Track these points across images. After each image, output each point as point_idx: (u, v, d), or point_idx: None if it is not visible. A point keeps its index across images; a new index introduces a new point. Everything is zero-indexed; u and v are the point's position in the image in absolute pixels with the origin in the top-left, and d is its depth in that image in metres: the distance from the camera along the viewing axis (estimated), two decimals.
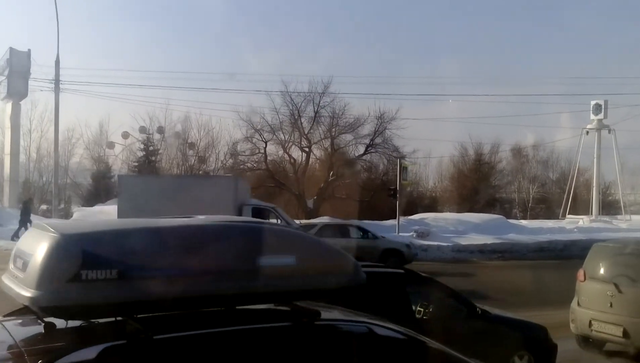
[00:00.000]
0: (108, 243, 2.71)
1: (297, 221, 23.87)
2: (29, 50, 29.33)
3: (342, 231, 21.66)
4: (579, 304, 9.43)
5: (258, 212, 17.61)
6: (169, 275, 2.72)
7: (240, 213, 17.00)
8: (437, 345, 3.56)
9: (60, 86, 27.71)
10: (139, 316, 2.80)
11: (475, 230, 30.10)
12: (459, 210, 41.56)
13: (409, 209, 39.50)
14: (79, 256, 2.56)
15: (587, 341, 9.48)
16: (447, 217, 34.52)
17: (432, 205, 48.87)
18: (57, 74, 27.02)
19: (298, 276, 3.04)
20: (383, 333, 3.25)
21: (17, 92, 29.42)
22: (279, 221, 17.67)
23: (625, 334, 8.60)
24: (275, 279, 2.97)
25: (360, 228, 22.05)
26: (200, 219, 3.31)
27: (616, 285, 8.83)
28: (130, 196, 16.78)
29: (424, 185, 57.28)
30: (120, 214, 16.60)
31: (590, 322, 9.07)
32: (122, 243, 2.74)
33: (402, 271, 7.17)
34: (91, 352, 2.55)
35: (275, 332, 3.02)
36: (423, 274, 7.34)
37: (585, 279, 9.44)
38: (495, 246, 26.44)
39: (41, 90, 28.59)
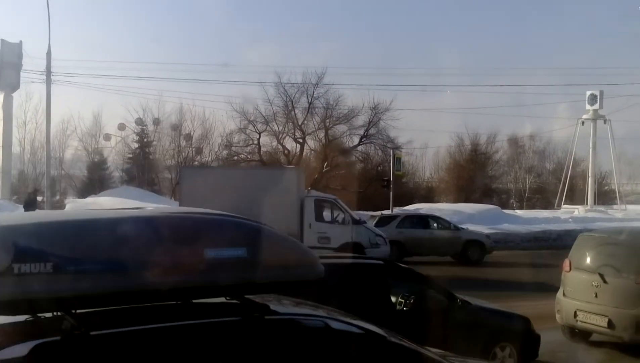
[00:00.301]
0: (43, 236, 2.59)
1: (367, 213, 23.59)
2: (20, 41, 29.13)
3: (423, 222, 21.40)
4: (564, 294, 9.37)
5: (320, 203, 17.45)
6: (108, 268, 2.61)
7: (302, 205, 16.87)
8: (398, 339, 3.46)
9: (52, 77, 27.52)
10: (78, 311, 2.70)
11: (469, 220, 29.96)
12: (456, 201, 41.56)
13: (406, 200, 39.44)
14: (10, 249, 2.45)
15: (573, 332, 9.43)
16: (442, 207, 34.43)
17: (428, 196, 48.87)
18: (49, 66, 26.80)
19: (249, 269, 2.93)
20: (339, 328, 3.15)
21: (9, 83, 29.23)
22: (342, 213, 17.50)
23: (610, 325, 8.54)
24: (224, 272, 2.86)
25: (442, 219, 21.81)
26: (147, 210, 3.21)
27: (601, 275, 8.75)
28: (192, 188, 16.56)
29: (421, 176, 57.23)
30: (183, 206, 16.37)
31: (575, 312, 9.01)
32: (58, 235, 2.63)
33: (381, 262, 7.09)
34: (22, 349, 2.45)
35: (223, 326, 2.92)
36: (403, 265, 7.25)
37: (570, 269, 9.37)
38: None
39: (32, 82, 28.49)
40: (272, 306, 3.17)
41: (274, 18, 77.30)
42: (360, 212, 30.05)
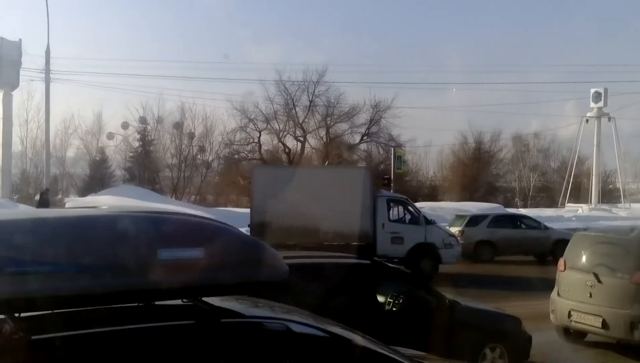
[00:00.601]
0: None
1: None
2: (20, 40, 29.03)
3: (513, 221, 21.32)
4: (558, 294, 9.23)
5: (392, 203, 17.18)
6: (53, 270, 2.50)
7: (374, 205, 16.46)
8: (366, 342, 3.34)
9: (51, 75, 27.54)
10: (21, 315, 2.59)
11: None
12: (459, 199, 41.34)
13: (409, 199, 39.22)
14: None
15: (567, 332, 9.29)
16: (444, 206, 34.30)
17: (432, 194, 48.63)
18: (48, 64, 26.85)
19: (206, 270, 2.81)
20: (301, 331, 3.03)
21: (8, 82, 29.16)
22: (415, 213, 17.21)
23: (604, 325, 8.40)
24: (178, 274, 2.74)
25: (531, 219, 21.66)
26: (98, 209, 3.09)
27: (596, 275, 8.60)
28: (264, 186, 16.42)
29: (425, 174, 56.97)
30: (256, 205, 16.24)
31: (569, 312, 8.87)
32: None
33: (368, 262, 6.95)
34: None
35: (174, 330, 2.80)
36: (390, 265, 7.12)
37: (565, 269, 9.22)
38: None
39: (32, 80, 28.47)
40: (231, 309, 3.06)
41: (275, 16, 77.26)
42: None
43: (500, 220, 21.15)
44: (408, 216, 17.08)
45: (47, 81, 26.86)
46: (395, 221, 16.91)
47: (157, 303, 2.95)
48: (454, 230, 19.28)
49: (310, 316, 3.43)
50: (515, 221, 21.45)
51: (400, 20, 79.60)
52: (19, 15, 62.06)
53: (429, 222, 16.96)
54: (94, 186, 40.22)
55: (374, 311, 6.74)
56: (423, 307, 6.94)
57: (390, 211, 16.88)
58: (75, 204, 27.05)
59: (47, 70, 26.77)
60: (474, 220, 20.77)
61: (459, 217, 21.70)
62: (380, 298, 7.05)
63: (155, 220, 2.92)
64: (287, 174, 17.87)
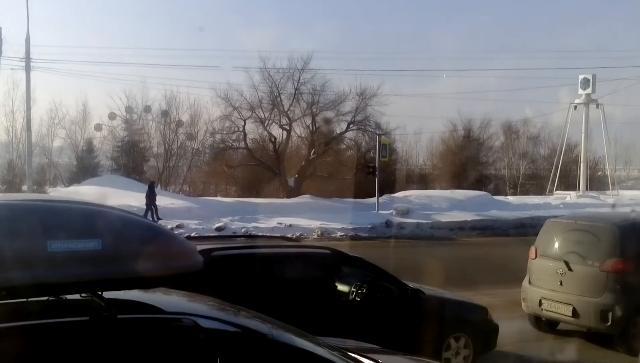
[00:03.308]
0: None
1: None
2: None
3: None
4: (530, 282, 9.11)
5: None
6: None
7: None
8: (286, 335, 3.16)
9: (33, 64, 27.14)
10: None
11: (458, 207, 29.73)
12: (449, 187, 41.17)
13: (399, 187, 39.12)
14: None
15: (538, 320, 9.19)
16: (431, 194, 34.12)
17: (421, 182, 48.49)
18: (28, 52, 26.42)
19: (105, 263, 2.61)
20: (209, 327, 2.84)
21: None
22: None
23: (575, 313, 8.28)
24: (71, 267, 2.54)
25: None
26: None
27: (566, 263, 8.48)
28: None
29: (415, 162, 56.79)
30: None
31: (540, 300, 8.75)
32: None
33: (328, 251, 6.76)
34: None
35: (66, 327, 2.61)
36: (351, 254, 6.94)
37: (536, 256, 9.09)
38: (475, 222, 26.01)
39: (12, 68, 28.05)
40: (133, 304, 2.87)
41: (263, 2, 76.40)
42: (358, 200, 29.89)
43: None
44: None
45: (28, 69, 26.51)
46: None
47: (50, 298, 2.75)
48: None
49: (227, 310, 3.25)
50: None
51: (390, 6, 79.07)
52: None
53: None
54: (80, 176, 39.83)
55: (335, 302, 6.58)
56: (385, 297, 6.78)
57: None
58: (58, 194, 26.80)
59: (28, 58, 26.40)
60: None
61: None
62: (342, 288, 6.89)
63: (45, 210, 2.71)
64: None
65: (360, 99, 32.44)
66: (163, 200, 24.57)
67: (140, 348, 2.73)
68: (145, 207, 23.03)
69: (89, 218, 2.74)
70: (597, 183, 49.99)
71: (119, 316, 2.69)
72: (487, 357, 7.28)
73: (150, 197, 23.49)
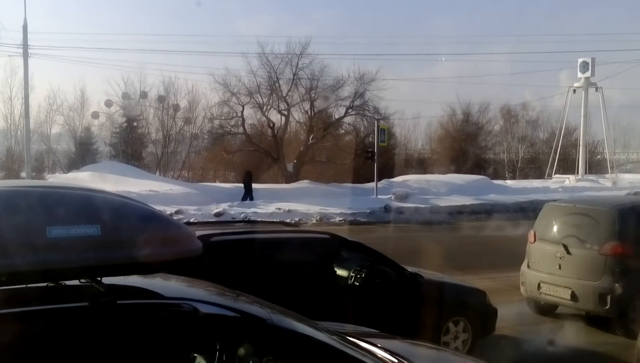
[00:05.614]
0: None
1: None
2: None
3: None
4: (528, 266, 9.13)
5: None
6: None
7: None
8: (287, 321, 3.17)
9: (30, 50, 27.03)
10: None
11: (457, 191, 29.79)
12: (448, 172, 41.18)
13: (398, 172, 39.14)
14: None
15: (537, 304, 9.22)
16: (430, 179, 34.15)
17: (420, 167, 48.49)
18: (25, 39, 26.33)
19: (104, 249, 2.61)
20: (209, 312, 2.84)
21: None
22: None
23: (573, 297, 8.31)
24: (70, 253, 2.54)
25: None
26: None
27: (565, 246, 8.50)
28: None
29: (413, 147, 56.75)
30: None
31: (539, 284, 8.78)
32: None
33: (327, 236, 6.77)
34: None
35: (64, 313, 2.61)
36: (349, 239, 6.95)
37: (535, 240, 9.10)
38: (474, 207, 26.05)
39: (9, 55, 27.96)
40: (132, 290, 2.87)
41: None
42: (357, 185, 29.93)
43: None
44: None
45: (26, 56, 26.41)
46: None
47: (50, 284, 2.75)
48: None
49: (226, 295, 3.25)
50: None
51: None
52: None
53: None
54: (79, 163, 39.78)
55: (334, 287, 6.60)
56: (384, 281, 6.79)
57: None
58: (57, 181, 26.78)
59: (25, 45, 26.29)
60: None
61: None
62: (341, 273, 6.91)
63: (43, 196, 2.70)
64: None
65: (358, 84, 32.41)
66: (162, 186, 24.58)
67: (140, 333, 2.73)
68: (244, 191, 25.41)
69: (88, 204, 2.73)
70: (596, 166, 50.01)
71: (118, 302, 2.68)
72: (486, 340, 7.30)
73: (248, 184, 25.58)
